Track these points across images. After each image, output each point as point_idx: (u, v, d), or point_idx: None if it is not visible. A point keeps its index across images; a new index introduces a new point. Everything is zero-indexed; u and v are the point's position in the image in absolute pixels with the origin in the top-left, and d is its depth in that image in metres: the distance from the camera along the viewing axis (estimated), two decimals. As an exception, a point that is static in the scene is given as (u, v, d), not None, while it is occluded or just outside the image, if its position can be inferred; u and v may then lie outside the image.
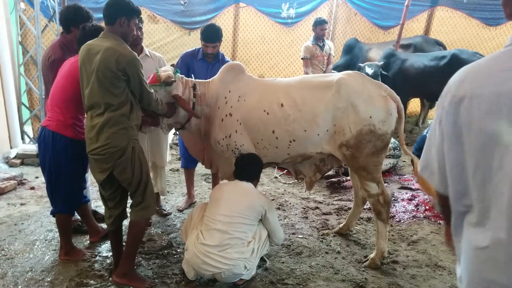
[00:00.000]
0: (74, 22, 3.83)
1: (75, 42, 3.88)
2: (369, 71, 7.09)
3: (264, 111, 3.54)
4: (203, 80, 3.80)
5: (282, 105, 3.50)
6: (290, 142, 3.54)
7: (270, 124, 3.53)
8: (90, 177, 4.03)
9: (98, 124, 3.00)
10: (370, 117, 3.37)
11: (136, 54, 3.08)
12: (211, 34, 4.41)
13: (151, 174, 4.58)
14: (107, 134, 3.00)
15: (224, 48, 8.79)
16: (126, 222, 3.44)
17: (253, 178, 3.53)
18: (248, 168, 3.52)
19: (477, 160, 1.37)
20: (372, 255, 3.71)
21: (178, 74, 3.57)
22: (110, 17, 3.05)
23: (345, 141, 3.43)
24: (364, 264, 3.70)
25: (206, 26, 4.49)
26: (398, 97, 3.52)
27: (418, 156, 4.90)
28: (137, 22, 3.24)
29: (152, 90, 3.21)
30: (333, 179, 5.74)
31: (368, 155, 3.45)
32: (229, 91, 3.66)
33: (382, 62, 7.43)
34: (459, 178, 1.44)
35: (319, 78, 3.68)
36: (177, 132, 4.09)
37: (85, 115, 3.20)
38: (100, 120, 2.99)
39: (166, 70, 3.50)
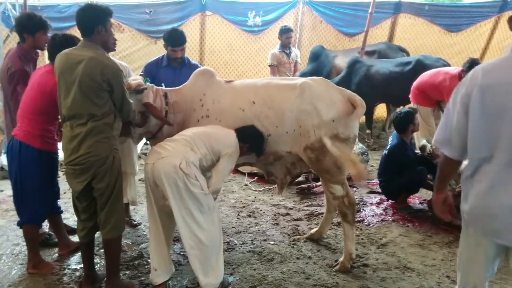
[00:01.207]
0: (28, 29, 3.80)
1: (31, 51, 3.84)
2: None
3: (240, 108, 3.63)
4: (174, 88, 3.82)
5: (253, 102, 3.62)
6: (268, 137, 3.62)
7: (247, 121, 3.60)
8: (62, 187, 3.95)
9: (81, 133, 2.96)
10: (333, 121, 3.50)
11: (118, 65, 3.08)
12: (178, 38, 4.46)
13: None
14: (90, 143, 2.97)
15: (191, 56, 8.65)
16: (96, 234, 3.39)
17: (240, 137, 3.41)
18: (245, 128, 3.51)
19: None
20: (341, 259, 3.76)
21: (148, 83, 3.58)
22: (87, 29, 3.02)
23: (310, 144, 3.54)
24: (335, 268, 3.75)
25: (169, 32, 4.53)
26: (355, 95, 3.68)
27: (381, 181, 4.97)
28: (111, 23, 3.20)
29: (132, 101, 3.20)
30: (303, 185, 5.79)
31: (332, 158, 3.54)
32: (204, 94, 3.73)
33: None
34: (483, 140, 2.07)
35: (284, 81, 3.84)
36: (148, 142, 4.04)
37: (63, 126, 3.12)
38: (83, 130, 2.95)
39: (136, 79, 3.50)
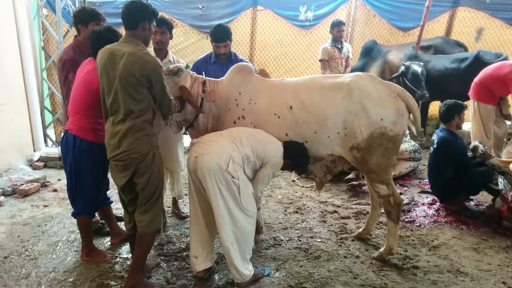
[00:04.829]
0: (81, 20, 3.94)
1: (85, 43, 3.93)
2: (418, 69, 6.95)
3: (275, 115, 3.57)
4: (213, 79, 3.79)
5: (291, 107, 3.53)
6: (304, 143, 3.56)
7: (282, 127, 3.56)
8: (111, 180, 4.07)
9: (121, 130, 3.00)
10: (382, 119, 3.40)
11: (159, 60, 3.09)
12: (220, 33, 4.42)
13: (168, 180, 4.59)
14: (130, 140, 3.00)
15: (242, 51, 8.82)
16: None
17: (284, 152, 3.42)
18: (292, 144, 3.50)
19: None
20: (381, 250, 3.79)
21: (189, 69, 3.62)
22: (132, 22, 3.04)
23: (356, 144, 3.46)
24: (372, 256, 3.83)
25: (213, 28, 4.49)
26: (408, 95, 3.54)
27: (431, 181, 4.70)
28: (156, 25, 3.23)
29: (172, 97, 3.22)
30: (354, 182, 5.71)
31: (378, 158, 3.48)
32: (240, 93, 3.66)
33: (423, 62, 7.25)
34: None
35: (328, 79, 3.65)
36: (187, 132, 4.04)
37: (106, 121, 3.18)
38: (123, 127, 2.99)
39: (177, 65, 3.54)
